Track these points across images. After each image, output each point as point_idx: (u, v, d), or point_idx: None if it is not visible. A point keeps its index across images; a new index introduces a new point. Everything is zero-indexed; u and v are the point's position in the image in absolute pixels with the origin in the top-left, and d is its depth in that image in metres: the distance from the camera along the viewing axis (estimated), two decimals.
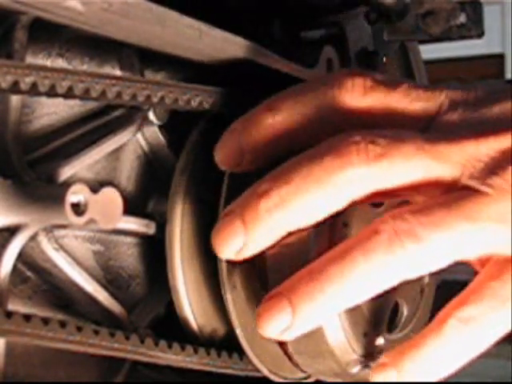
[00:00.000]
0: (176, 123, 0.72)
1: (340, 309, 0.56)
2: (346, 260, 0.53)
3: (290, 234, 0.63)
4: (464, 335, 0.56)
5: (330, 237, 0.62)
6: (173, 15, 0.59)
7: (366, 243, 0.52)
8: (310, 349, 0.65)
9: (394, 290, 0.66)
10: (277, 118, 0.58)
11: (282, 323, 0.54)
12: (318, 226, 0.58)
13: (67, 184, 0.59)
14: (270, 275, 0.64)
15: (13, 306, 0.63)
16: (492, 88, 0.57)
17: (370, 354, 0.66)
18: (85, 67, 0.67)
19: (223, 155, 0.60)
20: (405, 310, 0.68)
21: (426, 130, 0.55)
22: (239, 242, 0.56)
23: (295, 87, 0.60)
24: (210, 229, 0.66)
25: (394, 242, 0.51)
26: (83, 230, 0.68)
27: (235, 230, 0.55)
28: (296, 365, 0.68)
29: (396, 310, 0.68)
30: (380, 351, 0.66)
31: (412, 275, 0.54)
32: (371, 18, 0.82)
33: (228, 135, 0.60)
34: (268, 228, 0.55)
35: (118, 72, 0.69)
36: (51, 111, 0.66)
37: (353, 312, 0.63)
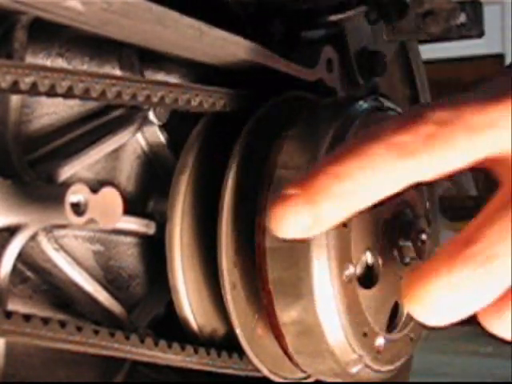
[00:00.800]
0: (176, 123, 0.72)
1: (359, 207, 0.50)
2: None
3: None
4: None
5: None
6: (173, 15, 0.59)
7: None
8: (309, 349, 0.65)
9: (394, 290, 0.66)
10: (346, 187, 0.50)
11: (300, 223, 0.49)
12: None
13: (67, 184, 0.59)
14: (270, 275, 0.64)
15: (13, 305, 0.63)
16: None
17: (369, 354, 0.66)
18: (85, 67, 0.67)
19: (282, 226, 0.50)
20: (405, 311, 0.68)
21: None
22: (304, 222, 0.49)
23: (350, 145, 0.51)
24: (210, 229, 0.66)
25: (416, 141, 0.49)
26: (83, 230, 0.68)
27: (298, 211, 0.49)
28: (296, 365, 0.68)
29: (396, 310, 0.68)
30: (380, 351, 0.66)
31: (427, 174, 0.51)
32: (371, 18, 0.82)
33: (283, 202, 0.50)
34: (338, 201, 0.49)
35: (118, 72, 0.69)
36: (51, 111, 0.66)
37: (353, 312, 0.63)
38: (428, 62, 0.99)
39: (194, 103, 0.65)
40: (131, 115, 0.70)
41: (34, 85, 0.54)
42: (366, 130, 0.52)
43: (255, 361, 0.68)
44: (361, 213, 0.61)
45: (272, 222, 0.49)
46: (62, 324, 0.59)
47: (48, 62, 0.65)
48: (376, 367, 0.67)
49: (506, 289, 0.51)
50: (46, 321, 0.58)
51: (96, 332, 0.61)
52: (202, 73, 0.72)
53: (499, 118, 0.50)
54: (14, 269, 0.62)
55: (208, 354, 0.68)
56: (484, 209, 0.53)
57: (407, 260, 0.67)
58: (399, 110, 0.70)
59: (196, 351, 0.67)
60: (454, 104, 0.51)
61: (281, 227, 0.49)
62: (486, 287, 0.50)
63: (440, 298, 0.50)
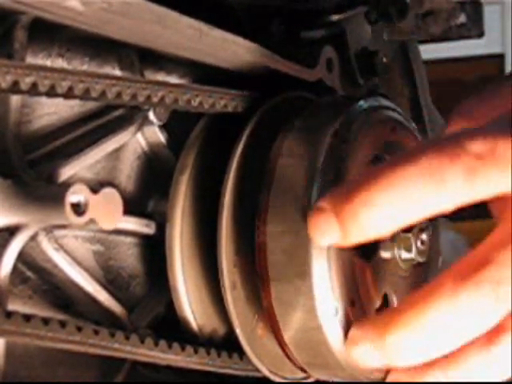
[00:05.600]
0: (176, 123, 0.72)
1: (393, 227, 0.54)
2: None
3: (290, 234, 0.63)
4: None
5: None
6: (173, 15, 0.59)
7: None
8: (309, 349, 0.65)
9: (383, 282, 0.66)
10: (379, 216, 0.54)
11: (331, 238, 0.55)
12: None
13: (67, 184, 0.59)
14: (270, 275, 0.64)
15: (13, 306, 0.63)
16: None
17: None
18: (85, 67, 0.67)
19: (316, 235, 0.56)
20: (394, 300, 0.67)
21: None
22: (335, 236, 0.55)
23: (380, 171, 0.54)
24: (210, 229, 0.66)
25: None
26: (83, 230, 0.68)
27: (330, 226, 0.54)
28: (296, 364, 0.68)
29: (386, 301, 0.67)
30: None
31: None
32: (371, 18, 0.82)
33: (316, 214, 0.55)
34: (364, 228, 0.54)
35: (117, 72, 0.69)
36: (51, 111, 0.66)
37: (353, 312, 0.63)
38: (428, 62, 0.99)
39: (194, 103, 0.65)
40: (131, 115, 0.70)
41: (34, 85, 0.54)
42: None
43: (255, 361, 0.68)
44: None
45: (309, 230, 0.56)
46: (62, 324, 0.59)
47: (48, 62, 0.65)
48: None
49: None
50: (45, 321, 0.58)
51: (96, 332, 0.61)
52: (202, 73, 0.72)
53: None
54: (14, 269, 0.62)
55: (208, 354, 0.68)
56: (480, 246, 0.54)
57: (405, 255, 0.66)
58: (399, 110, 0.70)
59: (196, 351, 0.67)
60: (488, 134, 0.51)
61: (315, 236, 0.56)
62: None
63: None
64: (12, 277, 0.62)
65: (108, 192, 0.60)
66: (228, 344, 0.70)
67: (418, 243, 0.66)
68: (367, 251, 0.65)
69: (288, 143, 0.66)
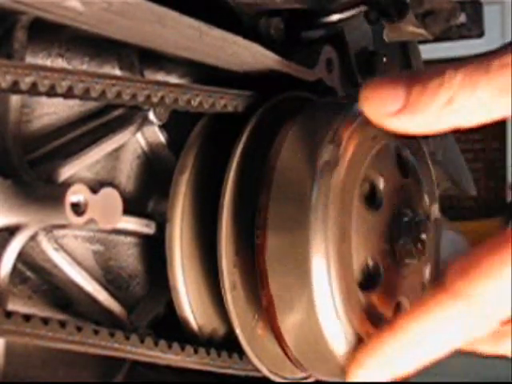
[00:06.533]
0: (176, 123, 0.72)
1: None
2: None
3: (289, 233, 0.63)
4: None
5: None
6: (173, 15, 0.59)
7: None
8: (309, 349, 0.65)
9: (396, 289, 0.66)
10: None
11: (392, 103, 0.49)
12: None
13: (67, 184, 0.59)
14: (270, 275, 0.64)
15: (13, 305, 0.63)
16: None
17: None
18: (85, 67, 0.67)
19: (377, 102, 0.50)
20: (404, 303, 0.67)
21: None
22: (396, 103, 0.49)
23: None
24: (210, 229, 0.66)
25: None
26: (83, 230, 0.68)
27: (396, 91, 0.49)
28: (296, 365, 0.68)
29: (399, 309, 0.68)
30: None
31: None
32: (371, 18, 0.82)
33: (389, 84, 0.50)
34: (432, 110, 0.49)
35: (117, 72, 0.69)
36: (51, 111, 0.66)
37: (354, 313, 0.63)
38: (428, 62, 0.99)
39: (194, 103, 0.65)
40: (131, 115, 0.70)
41: (34, 85, 0.54)
42: None
43: (255, 361, 0.68)
44: (361, 218, 0.61)
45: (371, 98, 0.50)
46: (62, 324, 0.59)
47: (48, 62, 0.65)
48: None
49: None
50: (45, 321, 0.58)
51: (96, 332, 0.61)
52: (202, 73, 0.72)
53: None
54: (14, 269, 0.62)
55: (208, 353, 0.68)
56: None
57: (407, 261, 0.67)
58: None
59: (196, 351, 0.67)
60: None
61: (376, 105, 0.51)
62: None
63: None
64: (12, 277, 0.62)
65: (108, 192, 0.60)
66: (228, 344, 0.70)
67: (419, 244, 0.66)
68: (368, 284, 0.65)
69: (288, 143, 0.66)
